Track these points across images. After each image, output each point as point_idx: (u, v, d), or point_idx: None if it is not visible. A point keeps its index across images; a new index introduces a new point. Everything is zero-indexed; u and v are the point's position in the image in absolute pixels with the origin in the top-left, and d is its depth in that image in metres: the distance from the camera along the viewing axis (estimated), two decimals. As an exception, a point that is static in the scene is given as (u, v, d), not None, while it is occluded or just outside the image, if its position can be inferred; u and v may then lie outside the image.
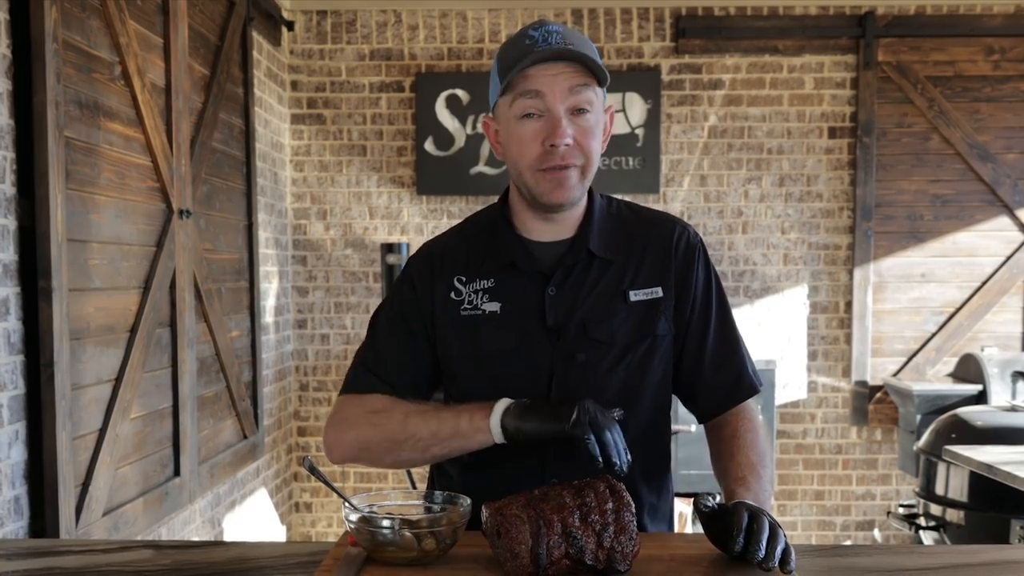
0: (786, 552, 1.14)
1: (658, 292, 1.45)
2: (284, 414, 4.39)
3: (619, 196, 1.59)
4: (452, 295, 1.47)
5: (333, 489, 1.34)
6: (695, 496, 1.23)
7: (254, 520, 3.94)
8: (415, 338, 1.50)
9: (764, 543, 1.14)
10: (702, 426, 1.57)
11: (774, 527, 1.17)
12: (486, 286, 1.45)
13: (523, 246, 1.46)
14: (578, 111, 1.37)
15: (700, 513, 1.22)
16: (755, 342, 4.41)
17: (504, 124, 1.42)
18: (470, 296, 1.46)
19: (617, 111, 4.23)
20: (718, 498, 1.26)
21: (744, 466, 1.38)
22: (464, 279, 1.47)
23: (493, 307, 1.44)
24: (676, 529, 1.68)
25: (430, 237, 1.59)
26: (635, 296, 1.44)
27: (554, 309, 1.42)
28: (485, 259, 1.47)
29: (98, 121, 2.48)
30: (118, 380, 2.57)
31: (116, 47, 2.56)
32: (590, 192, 1.49)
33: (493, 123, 1.47)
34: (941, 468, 3.32)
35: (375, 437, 1.42)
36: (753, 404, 1.53)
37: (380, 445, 1.42)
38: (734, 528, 1.16)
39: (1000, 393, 4.01)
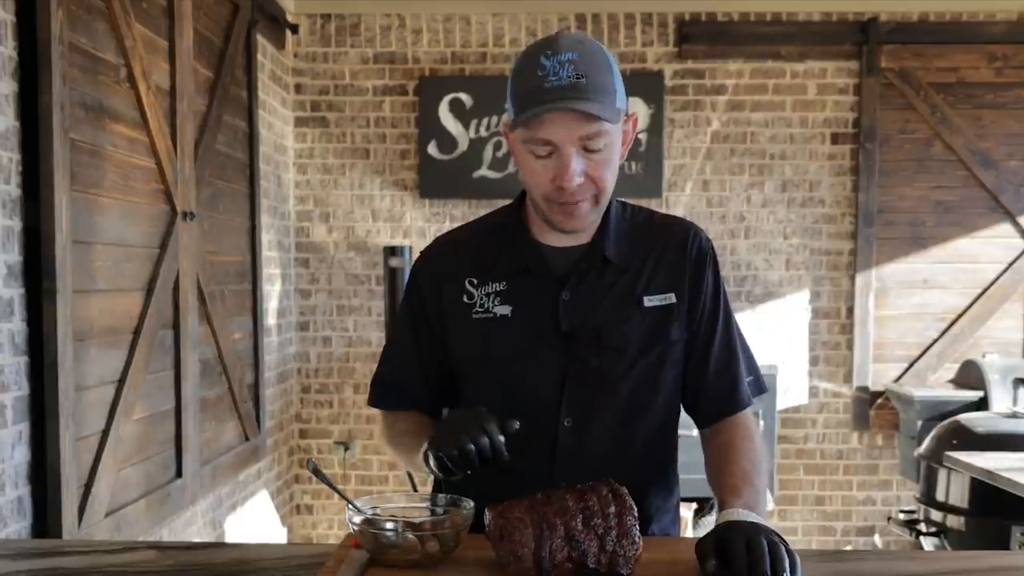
0: (793, 564, 1.12)
1: (671, 298, 1.45)
2: (286, 416, 4.40)
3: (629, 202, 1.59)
4: (464, 298, 1.46)
5: (337, 491, 1.35)
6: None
7: (255, 522, 3.95)
8: (425, 344, 1.51)
9: (768, 566, 1.11)
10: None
11: (774, 545, 1.14)
12: (498, 289, 1.45)
13: (537, 251, 1.46)
14: (590, 149, 1.34)
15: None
16: (756, 347, 4.40)
17: (517, 148, 1.39)
18: (482, 299, 1.45)
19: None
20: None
21: (736, 475, 1.38)
22: (476, 281, 1.46)
23: (505, 310, 1.44)
24: (679, 533, 1.68)
25: (432, 240, 1.59)
26: (649, 302, 1.44)
27: (568, 315, 1.42)
28: (498, 262, 1.46)
29: (103, 123, 2.49)
30: (121, 381, 2.57)
31: (121, 50, 2.57)
32: None
33: (510, 133, 1.42)
34: (942, 474, 3.32)
35: (387, 445, 1.57)
36: (751, 414, 1.52)
37: (399, 459, 1.55)
38: (734, 565, 1.13)
39: (1001, 399, 4.00)
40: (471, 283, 1.46)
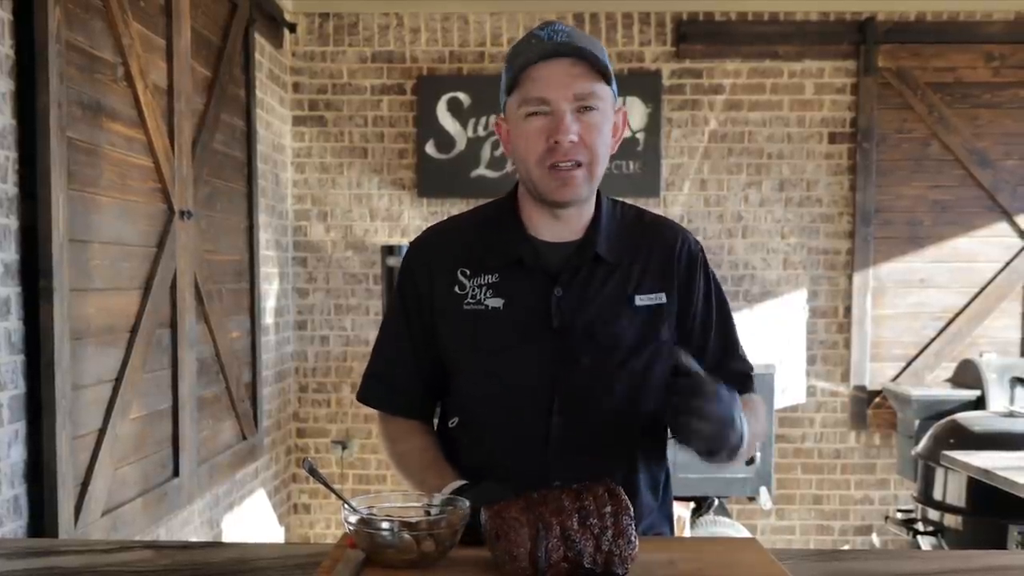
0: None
1: (661, 298, 1.45)
2: (284, 415, 4.40)
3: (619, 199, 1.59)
4: (456, 288, 1.45)
5: (333, 491, 1.34)
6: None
7: (253, 521, 3.94)
8: (417, 337, 1.50)
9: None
10: None
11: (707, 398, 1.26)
12: (490, 281, 1.44)
13: (531, 244, 1.45)
14: (584, 108, 1.36)
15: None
16: (754, 346, 4.41)
17: (512, 122, 1.42)
18: (473, 291, 1.44)
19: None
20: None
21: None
22: (468, 272, 1.45)
23: (496, 303, 1.43)
24: (675, 532, 1.68)
25: (423, 231, 1.59)
26: (640, 301, 1.44)
27: (560, 311, 1.42)
28: (491, 253, 1.45)
29: (100, 122, 2.48)
30: (118, 380, 2.57)
31: (119, 48, 2.56)
32: (598, 194, 1.48)
33: (504, 123, 1.46)
34: (939, 473, 3.33)
35: (394, 466, 1.56)
36: (758, 397, 1.55)
37: (399, 473, 1.56)
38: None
39: (998, 398, 4.01)
40: (463, 274, 1.46)
